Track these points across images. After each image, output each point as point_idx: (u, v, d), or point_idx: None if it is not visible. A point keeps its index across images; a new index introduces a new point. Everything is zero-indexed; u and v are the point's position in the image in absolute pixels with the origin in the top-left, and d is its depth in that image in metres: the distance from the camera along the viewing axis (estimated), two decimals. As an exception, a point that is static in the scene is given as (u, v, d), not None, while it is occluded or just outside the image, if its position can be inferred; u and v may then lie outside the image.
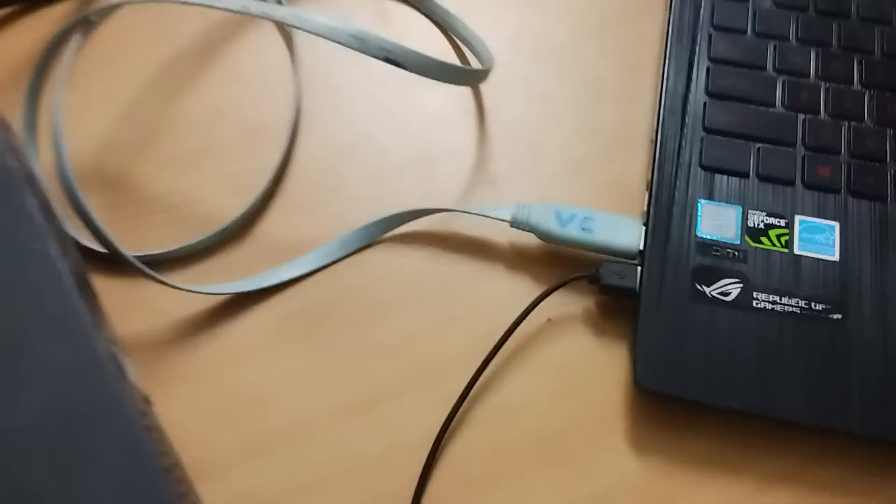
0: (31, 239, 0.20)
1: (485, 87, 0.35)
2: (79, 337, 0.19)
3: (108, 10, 0.30)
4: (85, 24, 0.30)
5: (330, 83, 0.35)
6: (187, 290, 0.29)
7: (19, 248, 0.20)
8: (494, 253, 0.31)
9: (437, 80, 0.29)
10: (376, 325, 0.30)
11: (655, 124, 0.32)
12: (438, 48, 0.36)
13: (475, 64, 0.35)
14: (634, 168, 0.33)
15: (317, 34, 0.27)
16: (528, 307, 0.29)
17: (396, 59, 0.27)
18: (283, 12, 0.27)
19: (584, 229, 0.30)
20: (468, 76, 0.31)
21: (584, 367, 0.29)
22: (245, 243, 0.31)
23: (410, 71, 0.28)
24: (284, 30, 0.36)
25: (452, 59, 0.35)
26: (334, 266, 0.31)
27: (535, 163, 0.33)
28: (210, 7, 0.27)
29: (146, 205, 0.32)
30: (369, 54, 0.27)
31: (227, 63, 0.35)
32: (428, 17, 0.36)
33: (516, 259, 0.31)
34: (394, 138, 0.33)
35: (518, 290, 0.30)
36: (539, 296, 0.29)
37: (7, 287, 0.20)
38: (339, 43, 0.27)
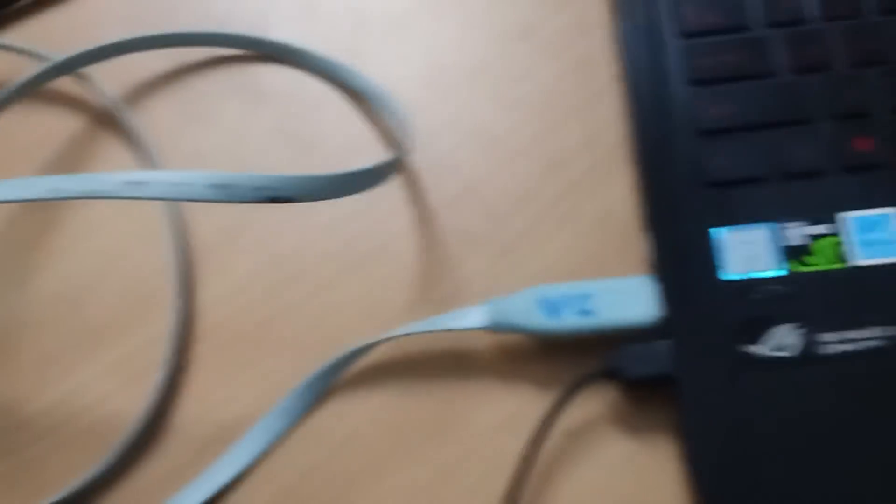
0: None
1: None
2: None
3: None
4: None
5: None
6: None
7: None
8: (476, 370, 0.24)
9: (346, 195, 0.21)
10: (356, 502, 0.23)
11: (632, 142, 0.25)
12: (343, 117, 0.28)
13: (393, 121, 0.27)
14: (621, 193, 0.26)
15: (163, 199, 0.19)
16: (538, 431, 0.22)
17: (281, 195, 0.19)
18: (109, 184, 0.19)
19: (582, 312, 0.23)
20: (383, 172, 0.23)
21: (628, 489, 0.23)
22: (161, 447, 0.24)
23: (303, 201, 0.20)
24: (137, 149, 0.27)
25: (366, 128, 0.27)
26: (284, 443, 0.24)
27: (496, 228, 0.25)
28: (12, 202, 0.19)
29: (23, 434, 0.24)
30: (245, 201, 0.19)
31: (77, 222, 0.27)
32: (316, 73, 0.28)
33: (506, 369, 0.24)
34: (314, 258, 0.26)
35: (520, 409, 0.23)
36: (548, 414, 0.22)
37: None
38: (197, 201, 0.19)
